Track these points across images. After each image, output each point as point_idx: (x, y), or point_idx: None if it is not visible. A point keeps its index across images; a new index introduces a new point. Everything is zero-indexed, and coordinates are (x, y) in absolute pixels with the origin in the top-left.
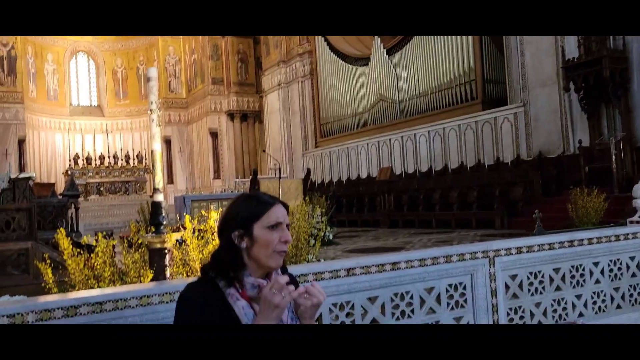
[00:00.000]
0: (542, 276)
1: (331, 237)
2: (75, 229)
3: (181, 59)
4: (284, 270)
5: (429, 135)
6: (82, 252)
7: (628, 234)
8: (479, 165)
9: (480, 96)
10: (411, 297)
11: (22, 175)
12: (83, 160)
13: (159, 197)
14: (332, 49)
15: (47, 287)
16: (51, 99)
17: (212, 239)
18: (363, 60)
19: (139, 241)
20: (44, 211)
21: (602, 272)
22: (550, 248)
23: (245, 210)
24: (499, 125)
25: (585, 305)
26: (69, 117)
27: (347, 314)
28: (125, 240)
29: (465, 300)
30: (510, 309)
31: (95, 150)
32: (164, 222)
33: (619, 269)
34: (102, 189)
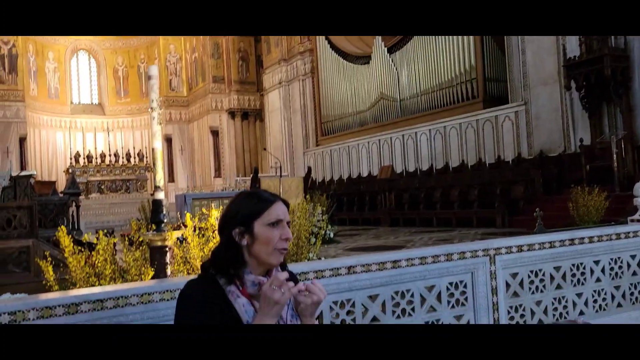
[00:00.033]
0: (543, 274)
1: (332, 235)
2: (76, 227)
3: (182, 57)
4: (283, 268)
5: (430, 133)
6: (83, 250)
7: (629, 233)
8: (480, 163)
9: (481, 95)
10: (412, 295)
11: (23, 173)
12: (84, 158)
13: (160, 195)
14: (333, 47)
15: (48, 284)
16: (52, 97)
17: (213, 237)
18: (364, 59)
19: (140, 239)
20: (45, 209)
21: (602, 270)
22: (551, 246)
23: (246, 208)
24: (500, 124)
25: (585, 303)
26: (70, 115)
27: (348, 312)
28: (126, 238)
29: (466, 299)
30: (511, 307)
31: (96, 148)
32: (165, 220)
33: (620, 267)
34: (103, 187)
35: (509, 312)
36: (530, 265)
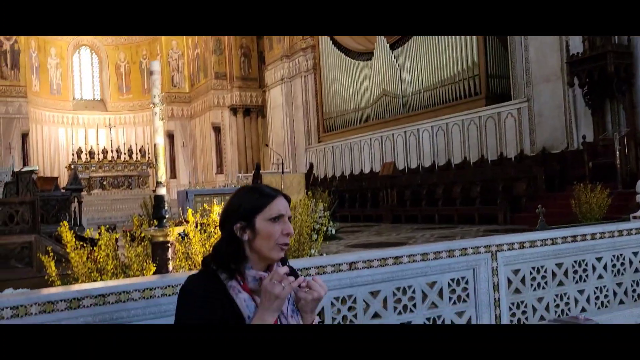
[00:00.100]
0: (545, 271)
1: (334, 231)
2: (78, 223)
3: (184, 54)
4: (284, 263)
5: (432, 130)
6: (85, 245)
7: (631, 230)
8: (482, 160)
9: (483, 91)
10: (413, 292)
11: (25, 169)
12: (86, 154)
13: (162, 191)
14: (336, 43)
15: (51, 280)
16: (54, 93)
17: (215, 233)
18: (366, 55)
19: (142, 235)
20: (47, 205)
21: (605, 267)
22: (553, 243)
23: (248, 203)
24: (503, 121)
25: (587, 300)
26: (72, 111)
27: (349, 308)
28: (128, 234)
29: (468, 295)
30: (513, 303)
31: (98, 144)
32: (167, 216)
33: (622, 264)
34: (105, 183)
35: (510, 309)
36: (532, 261)
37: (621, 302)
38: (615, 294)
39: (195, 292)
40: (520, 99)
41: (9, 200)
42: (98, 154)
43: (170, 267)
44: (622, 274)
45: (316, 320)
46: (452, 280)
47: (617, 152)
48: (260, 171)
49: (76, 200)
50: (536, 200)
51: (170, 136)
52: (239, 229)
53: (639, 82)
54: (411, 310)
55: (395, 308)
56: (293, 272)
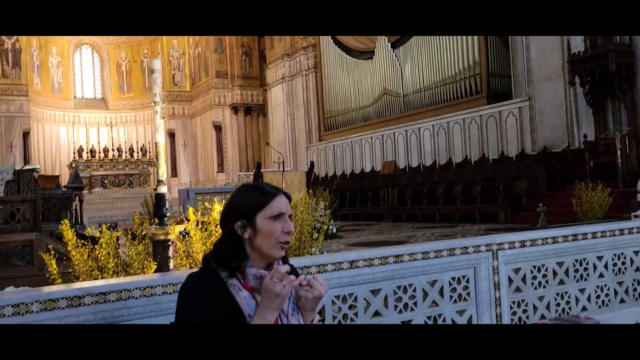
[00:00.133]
0: (546, 270)
1: (334, 230)
2: (79, 221)
3: (185, 52)
4: (285, 261)
5: (433, 129)
6: (86, 243)
7: (632, 228)
8: (483, 159)
9: (485, 90)
10: (414, 290)
11: (26, 167)
12: (87, 153)
13: (163, 189)
14: (337, 42)
15: (52, 278)
16: (55, 91)
17: (216, 231)
18: (367, 54)
19: (143, 233)
20: (48, 203)
21: (606, 266)
22: (554, 242)
23: (248, 201)
24: (504, 120)
25: (588, 299)
26: (73, 110)
27: (350, 307)
28: (129, 232)
29: (469, 294)
30: (513, 302)
31: (99, 143)
32: (168, 214)
33: (623, 263)
34: (106, 181)
35: (511, 308)
36: (533, 260)
37: (622, 301)
38: (616, 292)
39: (196, 290)
40: (522, 97)
41: (11, 199)
42: (99, 153)
43: (171, 266)
44: (623, 273)
45: (316, 318)
46: (453, 278)
47: (619, 151)
48: (261, 170)
49: (77, 198)
50: (537, 199)
51: (171, 135)
52: (240, 227)
53: None
54: (412, 309)
55: (396, 306)
56: (293, 271)
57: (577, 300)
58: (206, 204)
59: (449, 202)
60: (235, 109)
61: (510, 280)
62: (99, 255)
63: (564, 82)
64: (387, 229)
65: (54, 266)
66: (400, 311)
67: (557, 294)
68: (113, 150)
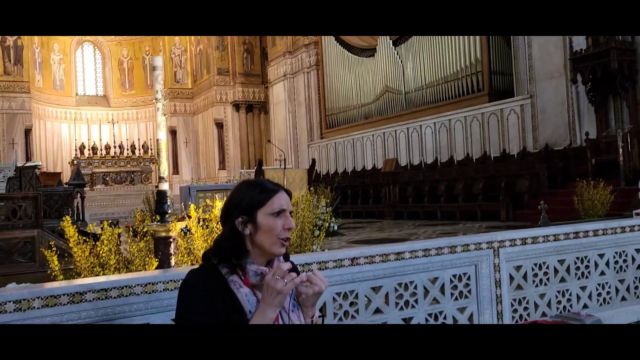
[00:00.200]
0: (547, 267)
1: (336, 228)
2: (81, 218)
3: (187, 49)
4: (286, 259)
5: (434, 126)
6: (87, 240)
7: (634, 226)
8: (484, 157)
9: (486, 88)
10: (415, 287)
11: (28, 164)
12: (89, 150)
13: (164, 186)
14: (338, 40)
15: (53, 274)
16: (57, 88)
17: (217, 228)
18: (369, 51)
19: (144, 230)
20: (50, 200)
21: (607, 264)
22: (555, 239)
23: (249, 197)
24: (505, 117)
25: (590, 297)
26: (75, 107)
27: (351, 304)
28: (131, 229)
29: (470, 291)
30: (515, 300)
31: (101, 140)
32: (169, 211)
33: (624, 261)
34: (107, 178)
35: (512, 305)
36: (534, 258)
37: (623, 298)
38: (617, 290)
39: (196, 287)
40: (523, 95)
41: (12, 195)
42: (101, 150)
43: (173, 262)
44: (625, 271)
45: (317, 314)
46: (454, 276)
47: (620, 149)
48: (263, 167)
49: (79, 195)
50: (539, 197)
51: (172, 132)
52: (241, 224)
53: None
54: (413, 306)
55: (397, 304)
56: (294, 268)
57: (578, 298)
58: (207, 201)
59: (451, 199)
60: (236, 106)
61: (512, 278)
62: (101, 252)
63: (566, 80)
64: (389, 227)
65: (56, 263)
66: (401, 308)
67: (559, 292)
68: (115, 147)
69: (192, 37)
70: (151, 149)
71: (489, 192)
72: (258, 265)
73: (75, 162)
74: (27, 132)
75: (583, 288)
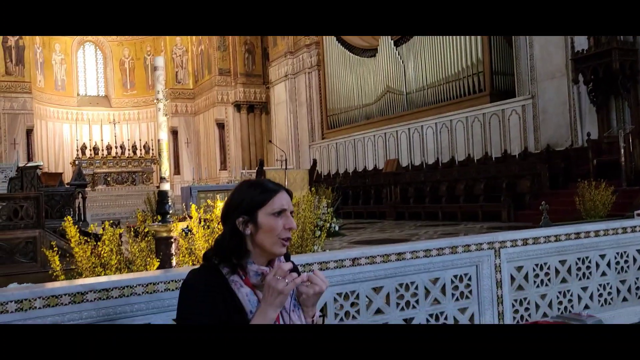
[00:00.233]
0: (548, 268)
1: (337, 228)
2: (82, 218)
3: (188, 50)
4: (287, 259)
5: (436, 127)
6: (89, 240)
7: (635, 227)
8: (486, 157)
9: (488, 88)
10: (416, 288)
11: (30, 164)
12: (90, 150)
13: (166, 186)
14: (340, 40)
15: (55, 274)
16: (59, 89)
17: (218, 229)
18: (370, 52)
19: (146, 230)
20: (51, 200)
21: (608, 264)
22: (556, 240)
23: (250, 197)
24: (507, 118)
25: (591, 297)
26: (76, 107)
27: (352, 304)
28: (132, 230)
29: (471, 292)
30: (516, 300)
31: (102, 140)
32: (171, 211)
33: (626, 261)
34: (109, 179)
35: (513, 306)
36: (535, 258)
37: (624, 299)
38: (618, 291)
39: (197, 287)
40: (525, 95)
41: (14, 195)
42: (102, 150)
43: (174, 263)
44: (626, 272)
45: (317, 314)
46: (455, 276)
47: (622, 150)
48: (264, 167)
49: (80, 196)
50: (540, 197)
51: (174, 132)
52: (242, 223)
53: None
54: (414, 307)
55: (398, 304)
56: (295, 269)
57: (579, 298)
58: (209, 201)
59: (452, 200)
60: (238, 106)
61: (513, 278)
62: (102, 252)
63: (568, 80)
64: (390, 227)
65: (57, 263)
66: (402, 309)
67: (560, 292)
68: (116, 147)
69: (194, 37)
70: (152, 150)
71: (490, 193)
72: (259, 265)
73: (76, 162)
74: (29, 132)
75: (584, 289)
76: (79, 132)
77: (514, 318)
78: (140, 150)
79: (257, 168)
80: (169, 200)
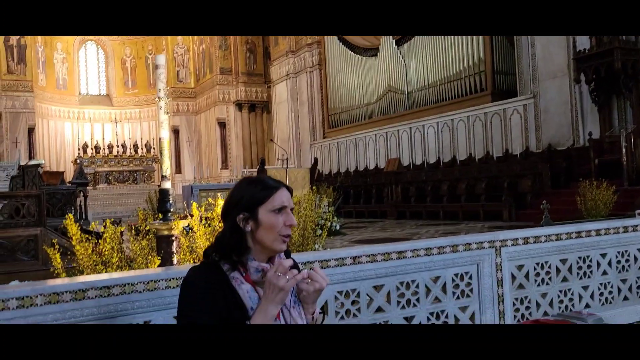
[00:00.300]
0: (549, 267)
1: (338, 227)
2: (84, 217)
3: (190, 49)
4: (287, 256)
5: (437, 126)
6: (90, 238)
7: (636, 226)
8: (487, 157)
9: (489, 87)
10: (417, 286)
11: (31, 163)
12: (92, 149)
13: (167, 185)
14: (341, 39)
15: (56, 272)
16: (60, 87)
17: (219, 227)
18: (372, 51)
19: (147, 228)
20: (53, 198)
21: (609, 263)
22: (557, 239)
23: (250, 194)
24: (508, 117)
25: (592, 296)
26: (78, 106)
27: (353, 302)
28: (133, 228)
29: (471, 290)
30: (516, 299)
31: (104, 139)
32: (172, 209)
33: (627, 260)
34: (110, 177)
35: (514, 304)
36: (536, 257)
37: (625, 298)
38: (619, 290)
39: (197, 284)
40: (526, 95)
41: (15, 194)
42: (104, 149)
43: (175, 261)
44: (627, 271)
45: (317, 311)
46: (456, 275)
47: (624, 149)
48: (265, 166)
49: (82, 194)
50: (541, 197)
51: (175, 131)
52: (242, 220)
53: None
54: (414, 305)
55: (398, 302)
56: (295, 266)
57: (580, 297)
58: (209, 199)
59: (453, 199)
60: (239, 105)
61: (514, 277)
62: (103, 250)
63: (569, 79)
64: (391, 227)
65: (58, 261)
66: (403, 307)
67: (560, 291)
68: (117, 146)
69: (195, 36)
70: (154, 148)
71: (491, 192)
72: (259, 261)
73: (78, 161)
74: (31, 131)
75: (585, 287)
76: (81, 131)
77: (515, 317)
78: (142, 149)
79: (258, 167)
80: (170, 199)
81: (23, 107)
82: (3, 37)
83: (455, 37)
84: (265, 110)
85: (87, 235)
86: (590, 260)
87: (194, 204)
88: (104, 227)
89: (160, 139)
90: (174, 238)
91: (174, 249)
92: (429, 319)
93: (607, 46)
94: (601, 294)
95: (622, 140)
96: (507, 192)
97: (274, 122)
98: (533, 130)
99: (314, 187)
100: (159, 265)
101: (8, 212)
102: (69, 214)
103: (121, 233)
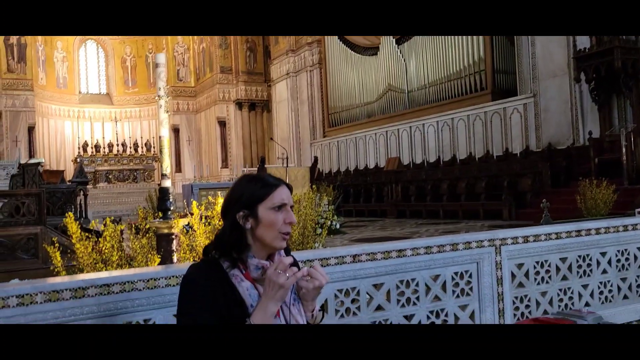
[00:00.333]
0: (549, 265)
1: (338, 226)
2: (84, 215)
3: (190, 48)
4: (287, 253)
5: (437, 125)
6: (90, 236)
7: (636, 225)
8: (487, 156)
9: (489, 86)
10: (417, 285)
11: (31, 161)
12: (92, 148)
13: (167, 183)
14: (341, 38)
15: (56, 270)
16: (60, 86)
17: (219, 226)
18: (372, 50)
19: (147, 226)
20: (53, 197)
21: (609, 262)
22: (557, 237)
23: (250, 191)
24: (509, 116)
25: (591, 295)
26: (78, 104)
27: (353, 300)
28: (133, 226)
29: (471, 289)
30: (516, 297)
31: (104, 138)
32: (172, 208)
33: (627, 259)
34: (110, 176)
35: (514, 303)
36: (536, 256)
37: (625, 297)
38: (619, 289)
39: (197, 281)
40: (527, 94)
41: (16, 192)
42: (104, 148)
43: (175, 259)
44: (627, 269)
45: (317, 308)
46: (456, 273)
47: (624, 148)
48: (265, 165)
49: (82, 193)
50: (541, 196)
51: (175, 130)
52: (242, 217)
53: None
54: (414, 303)
55: (398, 301)
56: (295, 263)
57: (580, 296)
58: (210, 198)
59: (453, 198)
60: (239, 104)
61: (513, 276)
62: (103, 248)
63: (569, 78)
64: (391, 225)
65: (59, 259)
66: (403, 305)
67: (560, 290)
68: (117, 145)
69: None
70: (154, 147)
71: (491, 191)
72: (259, 259)
73: (78, 159)
74: (31, 129)
75: (585, 286)
76: (81, 130)
77: (515, 315)
78: (142, 148)
79: (258, 166)
80: (170, 197)
81: (23, 106)
82: (3, 36)
83: (456, 36)
84: (266, 109)
85: (87, 234)
86: (590, 259)
87: (194, 203)
88: (104, 225)
89: (160, 137)
90: (174, 236)
91: (174, 247)
92: (428, 318)
93: (607, 45)
94: (601, 293)
95: (622, 139)
96: (507, 191)
97: (274, 121)
98: (533, 129)
99: (314, 186)
100: (159, 264)
101: (8, 210)
102: (69, 213)
103: (121, 231)
